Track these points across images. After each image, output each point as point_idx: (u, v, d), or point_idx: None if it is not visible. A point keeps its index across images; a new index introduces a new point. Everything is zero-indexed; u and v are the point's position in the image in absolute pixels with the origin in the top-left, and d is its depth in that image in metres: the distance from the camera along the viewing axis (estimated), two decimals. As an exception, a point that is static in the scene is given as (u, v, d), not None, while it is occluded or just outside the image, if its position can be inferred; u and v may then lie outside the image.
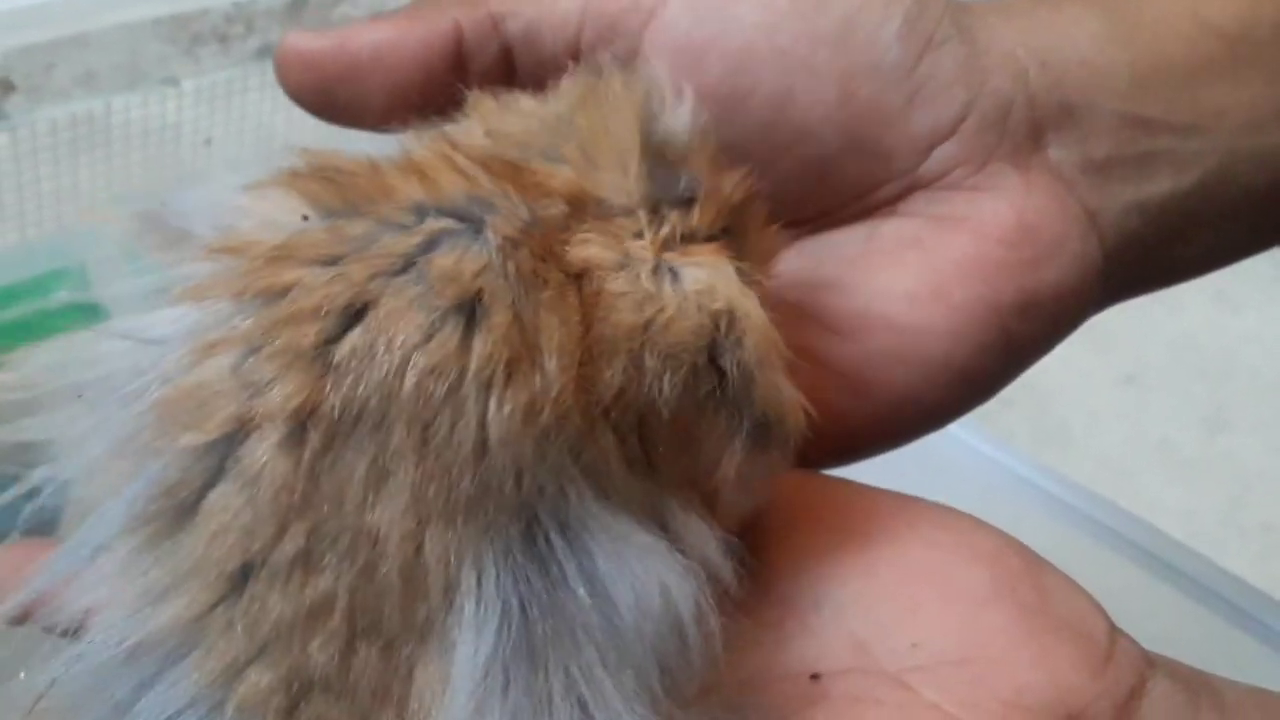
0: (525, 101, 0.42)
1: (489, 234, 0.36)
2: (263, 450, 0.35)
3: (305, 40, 0.47)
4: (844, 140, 0.48)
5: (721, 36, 0.47)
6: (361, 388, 0.34)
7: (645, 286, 0.38)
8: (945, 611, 0.42)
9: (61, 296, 0.89)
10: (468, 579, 0.35)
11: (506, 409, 0.35)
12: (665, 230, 0.39)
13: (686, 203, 0.40)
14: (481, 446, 0.35)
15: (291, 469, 0.35)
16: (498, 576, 0.35)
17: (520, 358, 0.35)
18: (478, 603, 0.35)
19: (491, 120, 0.42)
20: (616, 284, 0.38)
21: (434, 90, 0.47)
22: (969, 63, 0.48)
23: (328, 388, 0.34)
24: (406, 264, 0.35)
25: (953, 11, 0.48)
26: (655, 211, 0.40)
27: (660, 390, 0.37)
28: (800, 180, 0.49)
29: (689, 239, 0.40)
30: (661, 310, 0.38)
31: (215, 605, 0.36)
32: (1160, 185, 0.49)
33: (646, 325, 0.37)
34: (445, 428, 0.34)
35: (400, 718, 0.36)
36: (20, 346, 0.84)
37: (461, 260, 0.36)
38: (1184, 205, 0.49)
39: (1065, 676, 0.40)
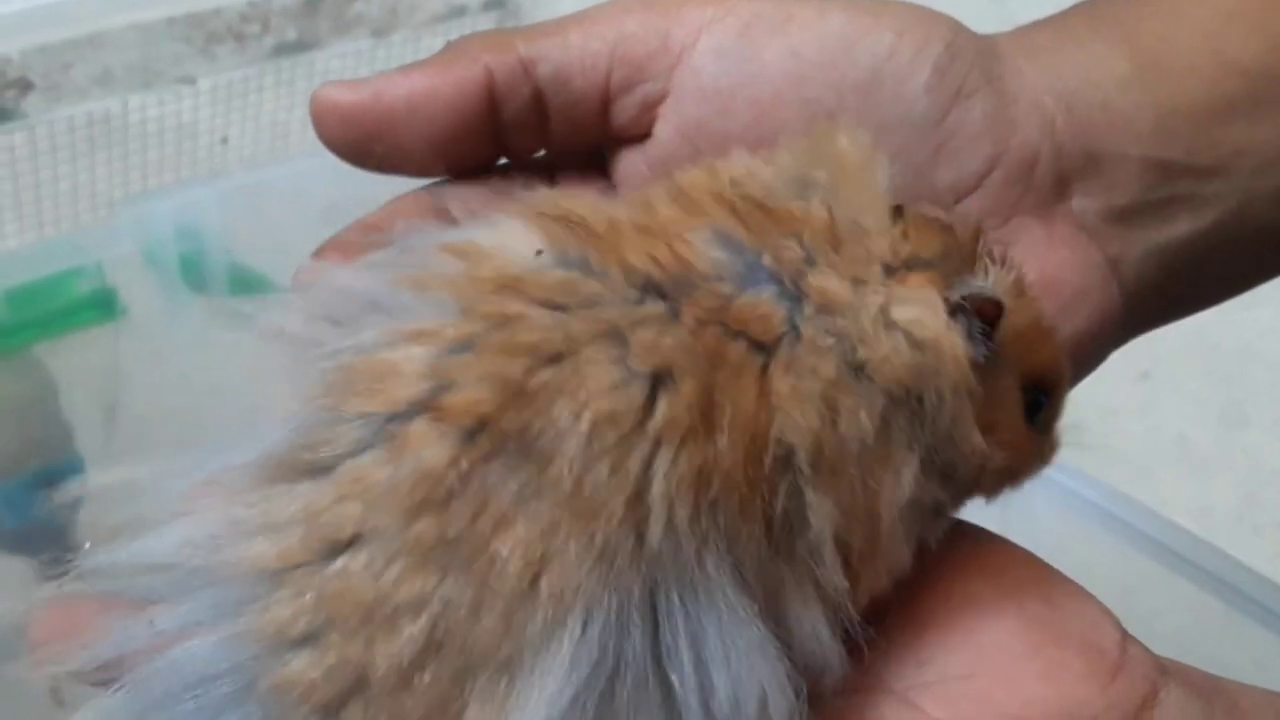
0: (749, 159, 0.42)
1: (685, 316, 0.36)
2: (428, 437, 0.35)
3: (340, 93, 0.47)
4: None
5: (749, 84, 0.47)
6: (540, 418, 0.34)
7: (865, 326, 0.38)
8: (951, 627, 0.41)
9: (80, 292, 0.90)
10: (574, 622, 0.34)
11: (677, 469, 0.35)
12: (895, 266, 0.40)
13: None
14: (636, 498, 0.35)
15: (447, 463, 0.34)
16: (604, 627, 0.34)
17: (698, 428, 0.35)
18: (576, 647, 0.34)
19: (730, 171, 0.42)
20: (819, 336, 0.38)
21: (469, 136, 0.47)
22: (997, 114, 0.47)
23: (512, 407, 0.35)
24: (616, 331, 0.36)
25: (983, 59, 0.47)
26: (895, 251, 0.40)
27: (856, 427, 0.37)
28: None
29: (907, 268, 0.40)
30: (878, 346, 0.38)
31: (301, 565, 0.35)
32: (1179, 228, 0.49)
33: (861, 365, 0.37)
34: (605, 472, 0.34)
35: None
36: (40, 343, 0.85)
37: (660, 337, 0.36)
38: (1201, 245, 0.49)
39: (1073, 690, 0.39)
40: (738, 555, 0.36)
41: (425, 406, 0.35)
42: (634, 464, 0.35)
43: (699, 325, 0.36)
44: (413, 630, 0.34)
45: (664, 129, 0.48)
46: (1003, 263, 0.42)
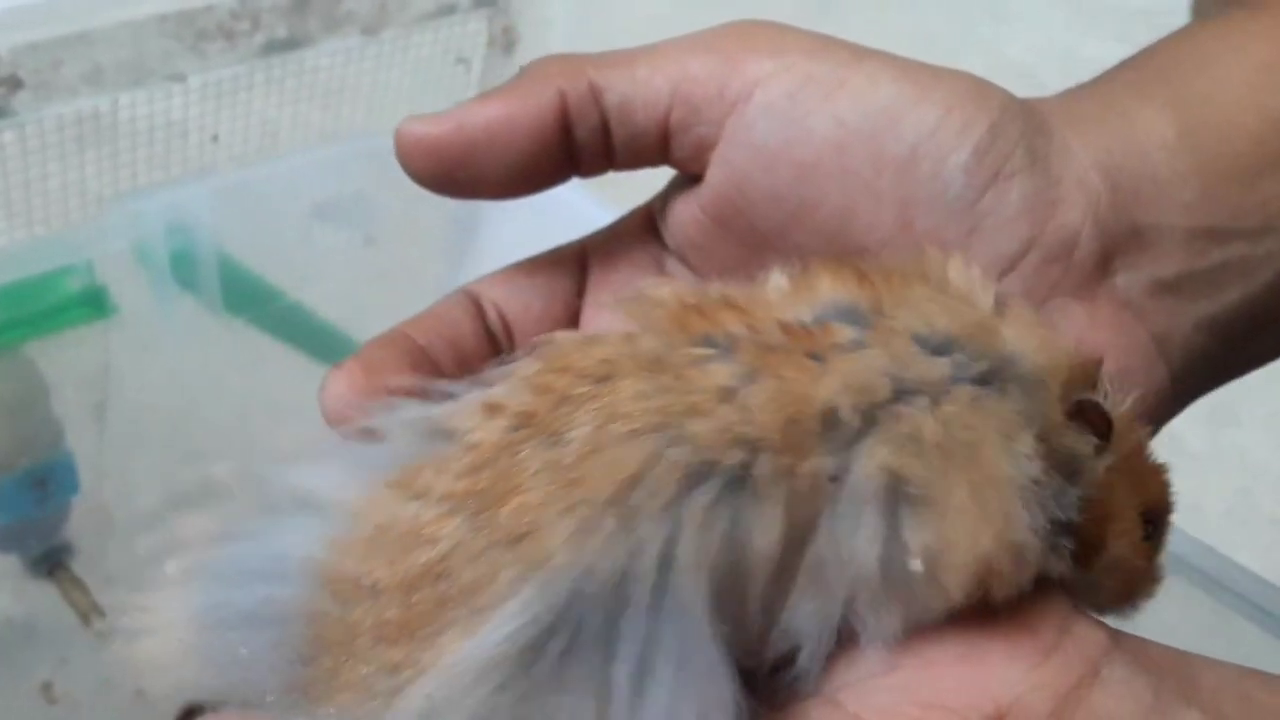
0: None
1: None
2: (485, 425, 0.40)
3: (425, 127, 0.47)
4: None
5: (794, 145, 0.47)
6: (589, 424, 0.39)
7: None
8: None
9: (70, 290, 0.90)
10: (536, 583, 0.37)
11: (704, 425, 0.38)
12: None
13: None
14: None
15: (500, 440, 0.40)
16: (565, 595, 0.37)
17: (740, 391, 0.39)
18: (529, 605, 0.37)
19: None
20: None
21: (545, 160, 0.48)
22: (1038, 196, 0.46)
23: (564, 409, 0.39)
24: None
25: (1029, 137, 0.47)
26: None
27: None
28: None
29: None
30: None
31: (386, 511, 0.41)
32: (1230, 295, 0.48)
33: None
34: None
35: (406, 660, 0.39)
36: (30, 341, 0.85)
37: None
38: (1252, 309, 0.48)
39: (994, 671, 0.39)
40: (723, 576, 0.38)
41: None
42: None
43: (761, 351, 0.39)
44: (426, 556, 0.39)
45: (715, 175, 0.48)
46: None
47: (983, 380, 0.40)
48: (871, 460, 0.38)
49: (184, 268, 0.93)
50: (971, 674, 0.39)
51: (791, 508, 0.38)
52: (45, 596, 1.03)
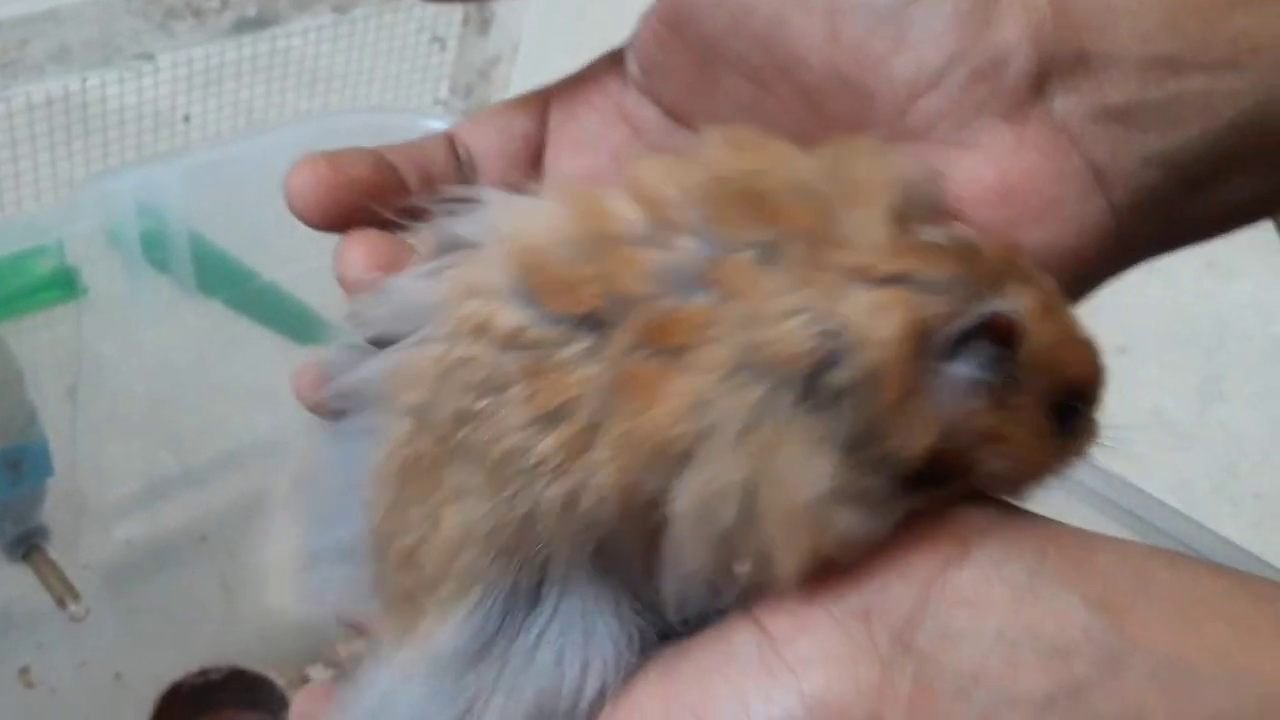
0: (787, 153, 0.44)
1: (612, 346, 0.41)
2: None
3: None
4: (832, 77, 0.46)
5: None
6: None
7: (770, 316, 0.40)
8: None
9: (41, 271, 0.89)
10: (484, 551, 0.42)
11: (553, 490, 0.41)
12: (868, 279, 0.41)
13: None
14: (530, 518, 0.41)
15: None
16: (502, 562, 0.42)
17: (581, 452, 0.40)
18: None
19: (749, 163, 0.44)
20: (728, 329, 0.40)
21: None
22: (972, 10, 0.45)
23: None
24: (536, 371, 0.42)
25: None
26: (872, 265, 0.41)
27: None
28: (796, 109, 0.48)
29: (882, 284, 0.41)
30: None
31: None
32: (1188, 130, 0.45)
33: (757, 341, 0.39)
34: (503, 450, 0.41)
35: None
36: (1, 323, 0.84)
37: (567, 375, 0.41)
38: (1214, 150, 0.45)
39: (859, 565, 0.40)
40: (611, 554, 0.42)
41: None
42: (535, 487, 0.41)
43: (621, 353, 0.40)
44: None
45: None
46: (1033, 281, 0.42)
47: (800, 395, 0.39)
48: (693, 488, 0.40)
49: (155, 248, 0.92)
50: (842, 568, 0.40)
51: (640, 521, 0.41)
52: (21, 581, 1.02)
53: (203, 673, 1.18)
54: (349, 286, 0.48)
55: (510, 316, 0.42)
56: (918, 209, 0.43)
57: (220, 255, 0.96)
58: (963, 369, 0.40)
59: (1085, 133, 0.45)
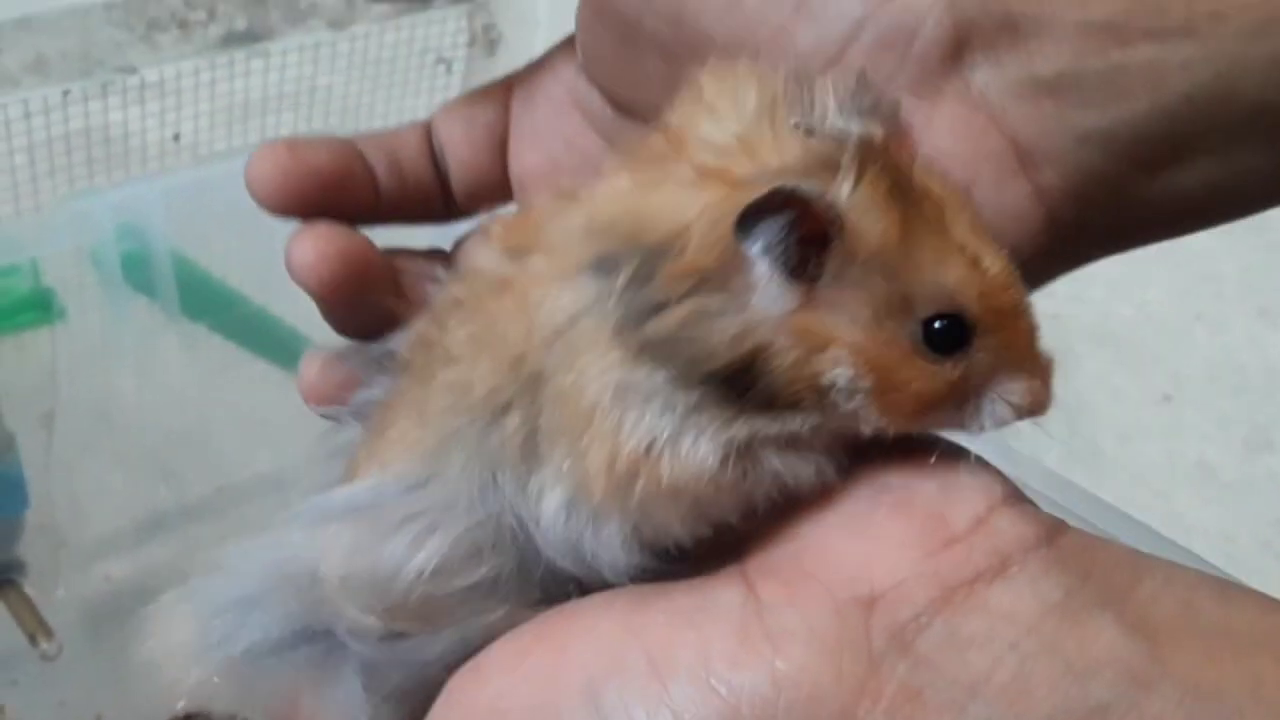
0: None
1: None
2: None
3: None
4: (738, 51, 0.43)
5: None
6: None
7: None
8: (812, 503, 0.40)
9: (17, 292, 0.88)
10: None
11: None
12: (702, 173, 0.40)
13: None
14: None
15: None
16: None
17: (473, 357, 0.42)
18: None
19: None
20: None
21: None
22: None
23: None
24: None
25: None
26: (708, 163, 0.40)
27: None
28: None
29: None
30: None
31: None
32: (1134, 105, 0.40)
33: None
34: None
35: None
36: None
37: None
38: (1166, 128, 0.41)
39: (881, 552, 0.38)
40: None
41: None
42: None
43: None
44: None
45: None
46: (909, 187, 0.39)
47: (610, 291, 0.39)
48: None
49: (137, 270, 0.90)
50: (858, 550, 0.38)
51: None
52: (-5, 616, 1.00)
53: (187, 717, 1.16)
54: (296, 279, 0.48)
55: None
56: (799, 112, 0.40)
57: (205, 278, 0.94)
58: (753, 247, 0.37)
59: (1009, 108, 0.41)
